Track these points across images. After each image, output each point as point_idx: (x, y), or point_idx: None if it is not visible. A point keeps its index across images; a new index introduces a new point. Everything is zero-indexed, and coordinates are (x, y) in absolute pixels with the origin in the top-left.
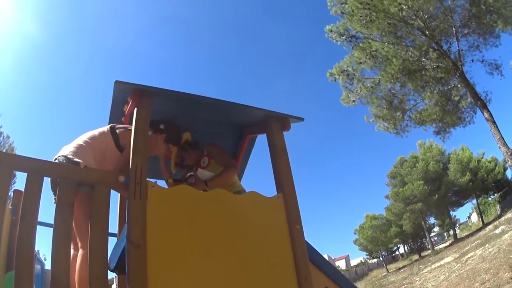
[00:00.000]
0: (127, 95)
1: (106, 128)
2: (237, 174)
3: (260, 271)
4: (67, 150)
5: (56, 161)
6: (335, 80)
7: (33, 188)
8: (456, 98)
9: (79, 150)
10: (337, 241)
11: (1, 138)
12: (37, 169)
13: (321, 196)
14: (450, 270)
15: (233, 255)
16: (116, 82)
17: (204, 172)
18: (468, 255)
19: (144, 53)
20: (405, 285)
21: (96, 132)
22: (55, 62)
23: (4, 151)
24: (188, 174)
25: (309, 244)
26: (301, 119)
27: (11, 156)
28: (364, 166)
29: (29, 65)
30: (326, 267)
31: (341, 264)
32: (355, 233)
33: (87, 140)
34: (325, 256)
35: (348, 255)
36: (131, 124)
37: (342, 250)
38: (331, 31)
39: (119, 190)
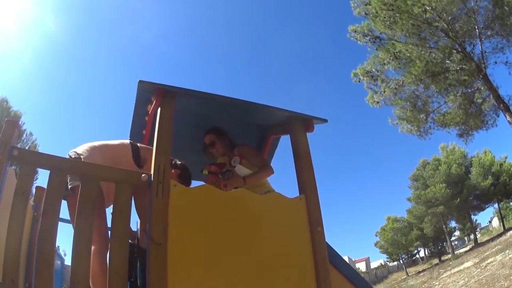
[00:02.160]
0: (151, 94)
1: (126, 140)
2: (272, 174)
3: (280, 272)
4: (81, 148)
5: (68, 156)
6: (359, 81)
7: (55, 186)
8: (479, 101)
9: (91, 150)
10: (358, 243)
11: (24, 135)
12: (59, 166)
13: (343, 198)
14: (470, 275)
15: (254, 255)
16: (140, 82)
17: (243, 169)
18: (488, 261)
19: (161, 54)
20: None
21: (115, 142)
22: (74, 61)
23: (27, 148)
24: (225, 169)
25: (330, 246)
26: (325, 121)
27: (34, 153)
28: (387, 168)
29: (49, 63)
30: (345, 270)
31: (361, 266)
32: (376, 235)
33: (102, 145)
34: (346, 258)
35: (369, 258)
36: (155, 123)
37: (362, 252)
38: (355, 31)
39: (141, 189)
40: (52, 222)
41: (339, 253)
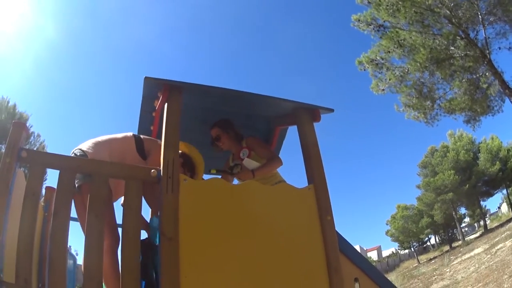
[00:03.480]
0: (157, 90)
1: (130, 133)
2: (281, 165)
3: (290, 262)
4: (85, 145)
5: (73, 154)
6: (364, 70)
7: (66, 185)
8: (485, 86)
9: (96, 146)
10: (369, 232)
11: (32, 137)
12: (69, 166)
13: (353, 187)
14: (480, 261)
15: (264, 246)
16: (146, 78)
17: (251, 162)
18: (498, 247)
19: (160, 51)
20: (436, 277)
21: (118, 135)
22: (79, 61)
23: (35, 149)
24: (234, 163)
25: (340, 235)
26: (331, 110)
27: (43, 154)
28: (396, 155)
29: (52, 65)
30: (356, 258)
31: (373, 255)
32: (387, 224)
33: (106, 140)
34: (357, 247)
35: (380, 246)
36: (162, 118)
37: (374, 241)
38: (358, 20)
39: (151, 185)
40: (63, 221)
41: (350, 242)
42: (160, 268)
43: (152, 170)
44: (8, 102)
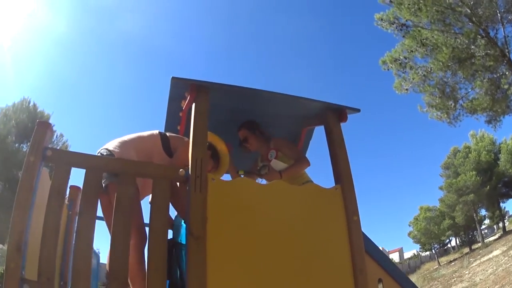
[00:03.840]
0: (184, 90)
1: (156, 131)
2: (308, 166)
3: (316, 262)
4: (112, 144)
5: (99, 154)
6: (388, 69)
7: (92, 184)
8: (505, 86)
9: (122, 145)
10: (391, 234)
11: (55, 136)
12: (95, 165)
13: (376, 188)
14: (498, 263)
15: (291, 245)
16: (173, 78)
17: (278, 163)
18: None
19: (155, 47)
20: (455, 278)
21: (144, 133)
22: (86, 62)
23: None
24: (262, 165)
25: (366, 236)
26: (358, 110)
27: (69, 153)
28: (422, 156)
29: (64, 64)
30: (381, 259)
31: (394, 257)
32: (409, 225)
33: (133, 138)
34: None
35: (402, 248)
36: (190, 118)
37: (396, 242)
38: (381, 19)
39: (178, 184)
40: (89, 220)
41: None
42: (185, 267)
43: (181, 170)
44: (28, 102)
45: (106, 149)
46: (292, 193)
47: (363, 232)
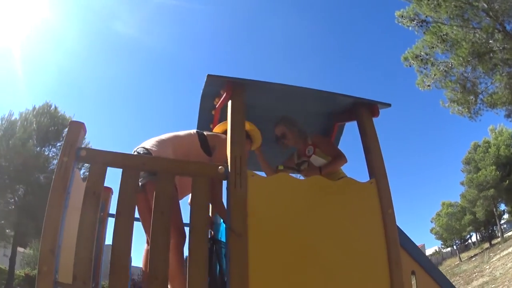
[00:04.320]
0: (219, 88)
1: (193, 130)
2: (346, 163)
3: (353, 255)
4: (149, 143)
5: (136, 152)
6: (410, 66)
7: (129, 184)
8: None
9: (160, 144)
10: (414, 230)
11: None
12: (133, 164)
13: (398, 184)
14: None
15: (328, 239)
16: (209, 76)
17: (318, 159)
18: None
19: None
20: (476, 273)
21: (181, 132)
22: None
23: None
24: (301, 160)
25: (400, 229)
26: (389, 105)
27: (104, 153)
28: (442, 152)
29: (73, 70)
30: (413, 251)
31: None
32: (431, 222)
33: (170, 137)
34: None
35: (424, 245)
36: (224, 116)
37: (418, 239)
38: (402, 16)
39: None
40: (127, 221)
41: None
42: (227, 263)
43: (220, 167)
44: (50, 106)
45: (143, 147)
46: (329, 188)
47: (398, 226)
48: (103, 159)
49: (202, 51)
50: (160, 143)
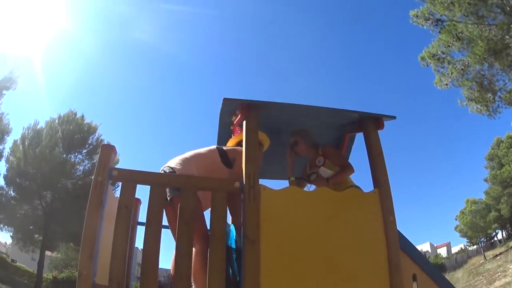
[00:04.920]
0: (235, 108)
1: (213, 147)
2: (353, 173)
3: (357, 259)
4: (173, 162)
5: (162, 171)
6: (427, 65)
7: (156, 199)
8: None
9: (184, 163)
10: (439, 228)
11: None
12: (159, 182)
13: (425, 183)
14: None
15: (334, 246)
16: (225, 99)
17: (326, 171)
18: None
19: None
20: (499, 273)
21: (202, 150)
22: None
23: None
24: (311, 172)
25: (401, 234)
26: (393, 117)
27: (133, 172)
28: (467, 148)
29: (91, 79)
30: (415, 256)
31: (442, 252)
32: (456, 219)
33: (193, 156)
34: (427, 244)
35: (450, 243)
36: (241, 130)
37: (444, 237)
38: (417, 16)
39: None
40: (155, 231)
41: (421, 239)
42: (242, 267)
43: (236, 182)
44: (75, 114)
45: (169, 166)
46: (335, 199)
47: (398, 231)
48: (132, 177)
49: (215, 56)
50: (184, 161)
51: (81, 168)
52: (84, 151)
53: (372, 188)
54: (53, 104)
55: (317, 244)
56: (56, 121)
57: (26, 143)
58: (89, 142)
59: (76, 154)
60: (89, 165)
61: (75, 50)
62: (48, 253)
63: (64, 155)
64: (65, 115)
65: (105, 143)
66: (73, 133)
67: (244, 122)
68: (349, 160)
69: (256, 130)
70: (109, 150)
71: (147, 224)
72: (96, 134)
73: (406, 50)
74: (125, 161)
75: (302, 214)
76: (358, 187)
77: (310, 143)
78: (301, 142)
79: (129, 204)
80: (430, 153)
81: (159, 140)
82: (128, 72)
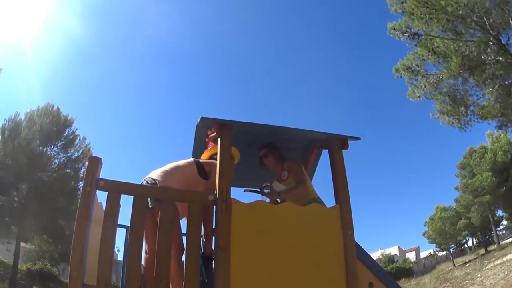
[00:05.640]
0: (211, 125)
1: (191, 160)
2: (305, 192)
3: (318, 268)
4: (156, 174)
5: (145, 182)
6: (401, 77)
7: (139, 208)
8: None
9: (164, 175)
10: (408, 233)
11: (78, 140)
12: (142, 193)
13: (395, 187)
14: (510, 268)
15: (297, 255)
16: (202, 118)
17: (279, 185)
18: None
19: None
20: (467, 281)
21: (181, 162)
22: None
23: (81, 151)
24: (264, 184)
25: (358, 245)
26: (358, 138)
27: (118, 183)
28: (438, 156)
29: (80, 69)
30: (371, 265)
31: (411, 256)
32: (424, 225)
33: (173, 168)
34: (396, 248)
35: (419, 247)
36: (215, 144)
37: (413, 241)
38: (394, 29)
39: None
40: (138, 237)
41: (389, 243)
42: (207, 271)
43: (210, 195)
44: (52, 107)
45: (151, 178)
46: (299, 213)
47: (356, 243)
48: (118, 188)
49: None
50: (165, 174)
51: (56, 161)
52: (59, 143)
53: (334, 204)
54: (41, 93)
55: (282, 254)
56: (35, 113)
57: (6, 134)
58: (65, 135)
59: (52, 147)
60: (64, 158)
61: (59, 36)
62: (22, 244)
63: (41, 148)
64: (43, 107)
65: (88, 141)
66: (50, 126)
67: (219, 140)
68: (316, 175)
69: (230, 147)
70: (96, 161)
71: (131, 230)
72: (72, 128)
73: (379, 60)
74: (99, 154)
75: (269, 226)
76: (319, 199)
77: (278, 157)
78: (269, 156)
79: (114, 212)
80: (404, 160)
81: (136, 135)
82: (111, 65)
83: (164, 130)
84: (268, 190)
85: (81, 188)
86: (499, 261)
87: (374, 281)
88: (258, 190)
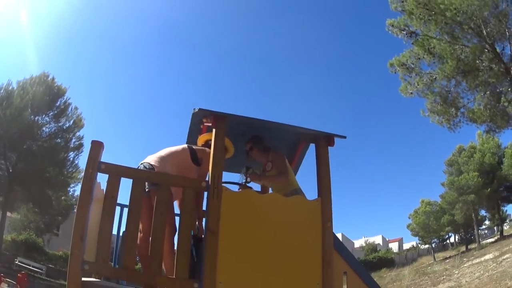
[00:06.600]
0: (207, 114)
1: (185, 146)
2: (286, 181)
3: (296, 254)
4: (152, 159)
5: (142, 166)
6: (395, 72)
7: (137, 191)
8: (505, 104)
9: (161, 161)
10: (393, 224)
11: (70, 109)
12: (141, 177)
13: (383, 176)
14: (486, 268)
15: (279, 241)
16: (200, 109)
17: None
18: (505, 256)
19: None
20: (444, 277)
21: (177, 148)
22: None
23: (72, 121)
24: (250, 171)
25: (336, 237)
26: (344, 137)
27: (119, 167)
28: (427, 150)
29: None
30: (347, 257)
31: (394, 247)
32: (409, 218)
33: (169, 154)
34: (380, 237)
35: (402, 238)
36: (209, 129)
37: (397, 232)
38: (392, 25)
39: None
40: (136, 217)
41: (373, 231)
42: (198, 252)
43: (203, 182)
44: (47, 76)
45: (148, 163)
46: (283, 203)
47: (334, 234)
48: (118, 171)
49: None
50: (161, 159)
51: (47, 130)
52: (51, 113)
53: (316, 196)
54: (37, 63)
55: (265, 239)
56: (28, 82)
57: None
58: (57, 104)
59: (43, 116)
60: (55, 128)
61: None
62: (8, 214)
63: (32, 117)
64: (37, 76)
65: (80, 111)
66: (43, 95)
67: (214, 130)
68: (301, 168)
69: (223, 138)
70: (98, 145)
71: (129, 211)
72: (65, 97)
73: (371, 55)
74: (90, 127)
75: (255, 214)
76: (300, 190)
77: (262, 149)
78: (254, 149)
79: (114, 194)
80: (394, 151)
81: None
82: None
83: (157, 108)
84: (250, 172)
85: (83, 170)
86: (477, 260)
87: (348, 271)
88: (236, 182)
